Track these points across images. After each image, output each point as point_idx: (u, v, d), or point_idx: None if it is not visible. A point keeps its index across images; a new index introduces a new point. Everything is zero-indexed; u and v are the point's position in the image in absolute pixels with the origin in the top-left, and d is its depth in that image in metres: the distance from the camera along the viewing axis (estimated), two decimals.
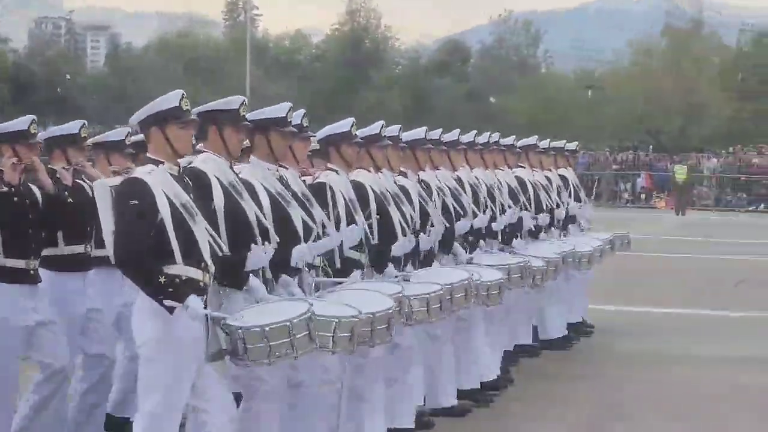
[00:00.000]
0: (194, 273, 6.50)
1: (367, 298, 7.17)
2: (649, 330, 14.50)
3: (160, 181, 6.46)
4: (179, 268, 6.43)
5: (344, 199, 8.14)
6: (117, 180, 6.89)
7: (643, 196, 48.25)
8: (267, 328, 6.30)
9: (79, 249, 8.35)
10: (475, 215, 10.35)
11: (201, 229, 6.56)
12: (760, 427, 10.04)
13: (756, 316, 15.85)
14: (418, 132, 9.84)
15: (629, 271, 18.82)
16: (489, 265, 9.82)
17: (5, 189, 7.62)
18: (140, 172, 6.52)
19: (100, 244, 8.00)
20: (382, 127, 8.81)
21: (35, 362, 7.97)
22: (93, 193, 7.96)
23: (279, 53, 76.89)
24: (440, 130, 10.40)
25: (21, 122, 8.14)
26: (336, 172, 8.31)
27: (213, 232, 6.67)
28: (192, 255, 6.48)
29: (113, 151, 8.93)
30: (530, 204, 11.94)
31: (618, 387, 11.22)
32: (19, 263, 7.78)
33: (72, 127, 8.60)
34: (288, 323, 6.33)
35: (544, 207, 12.41)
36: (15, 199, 7.68)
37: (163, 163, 6.57)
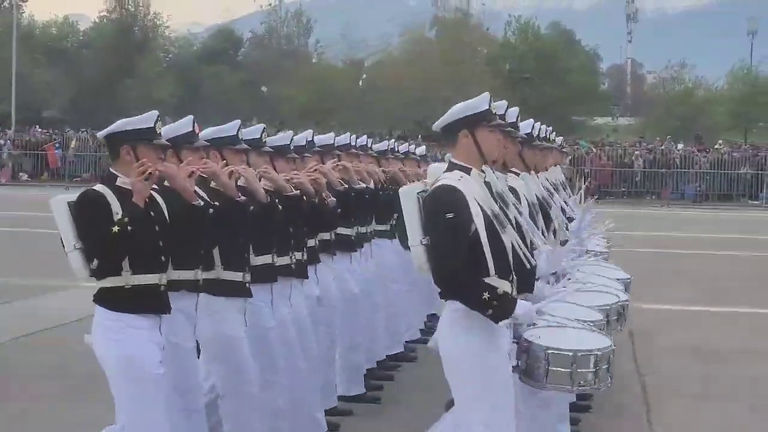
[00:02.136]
0: (506, 286, 6.16)
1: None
2: None
3: (471, 190, 6.15)
4: (493, 281, 6.10)
5: (529, 205, 7.70)
6: (418, 186, 6.46)
7: None
8: (579, 354, 6.01)
9: (267, 259, 7.97)
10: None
11: (509, 240, 6.24)
12: None
13: None
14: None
15: None
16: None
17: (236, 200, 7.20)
18: (450, 179, 6.19)
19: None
20: (532, 126, 8.21)
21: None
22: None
23: (46, 40, 74.85)
24: None
25: (230, 127, 7.84)
26: (517, 174, 7.86)
27: (521, 244, 6.33)
28: (502, 267, 6.18)
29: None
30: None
31: None
32: (237, 276, 7.48)
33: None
34: (598, 353, 6.05)
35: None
36: (235, 208, 7.24)
37: (471, 169, 6.27)
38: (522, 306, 6.09)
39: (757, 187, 46.35)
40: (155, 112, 6.62)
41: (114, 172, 6.51)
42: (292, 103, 66.32)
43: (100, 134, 6.73)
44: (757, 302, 17.46)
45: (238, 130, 7.81)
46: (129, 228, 6.20)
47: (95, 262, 6.33)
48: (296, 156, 8.76)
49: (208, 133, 7.79)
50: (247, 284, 7.54)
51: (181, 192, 6.67)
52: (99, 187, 6.44)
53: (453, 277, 6.07)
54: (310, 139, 9.43)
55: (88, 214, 6.33)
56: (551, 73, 69.00)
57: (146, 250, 6.40)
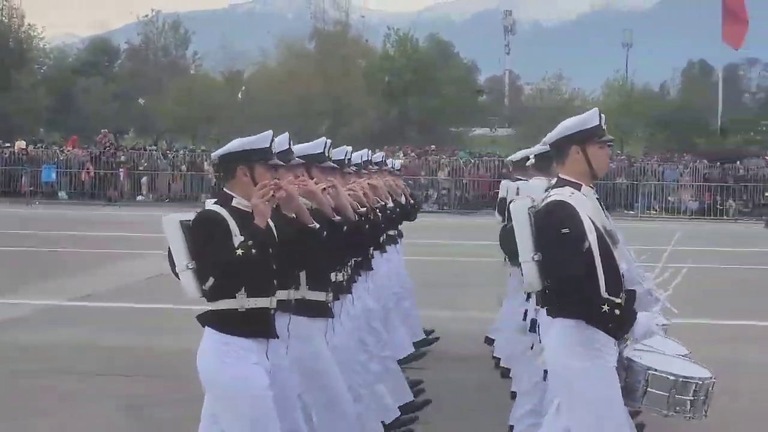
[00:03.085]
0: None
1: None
2: None
3: (583, 206, 6.14)
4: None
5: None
6: (528, 201, 6.35)
7: None
8: (680, 379, 5.99)
9: (333, 278, 7.82)
10: None
11: (619, 257, 6.16)
12: None
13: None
14: None
15: None
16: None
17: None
18: (562, 195, 6.17)
19: None
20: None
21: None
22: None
23: None
24: None
25: (317, 145, 7.88)
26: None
27: (631, 260, 6.25)
28: (613, 284, 6.10)
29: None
30: None
31: None
32: (320, 296, 7.45)
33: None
34: (699, 382, 6.03)
35: None
36: (331, 228, 7.08)
37: (581, 185, 6.25)
38: (641, 323, 6.09)
39: (633, 197, 46.98)
40: (270, 132, 6.52)
41: (229, 192, 6.38)
42: (169, 114, 65.61)
43: (215, 155, 6.56)
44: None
45: (325, 147, 7.83)
46: (253, 251, 6.07)
47: (209, 283, 6.19)
48: (351, 172, 8.92)
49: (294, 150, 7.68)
50: (330, 304, 7.54)
51: (297, 213, 6.63)
52: (216, 207, 6.30)
53: (573, 292, 6.05)
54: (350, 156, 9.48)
55: (207, 235, 6.19)
56: (430, 84, 69.31)
57: (263, 272, 6.30)
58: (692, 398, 6.06)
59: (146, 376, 12.10)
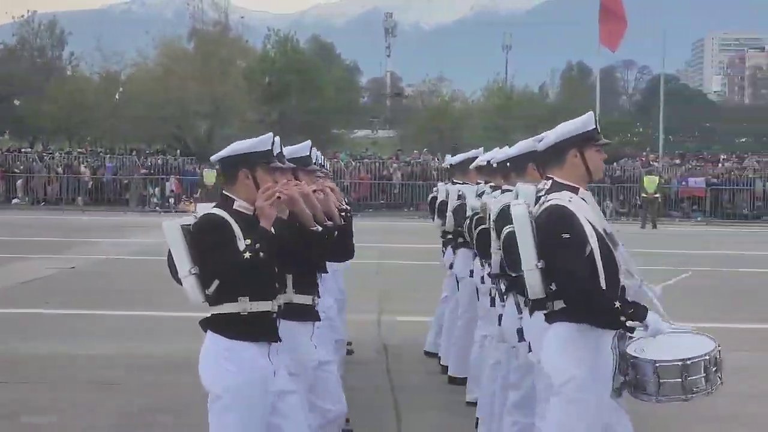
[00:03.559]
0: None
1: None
2: None
3: (583, 209, 6.17)
4: None
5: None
6: (525, 207, 6.29)
7: (172, 200, 48.11)
8: (689, 362, 5.93)
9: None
10: None
11: (619, 257, 6.13)
12: None
13: None
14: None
15: None
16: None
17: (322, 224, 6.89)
18: (561, 200, 6.17)
19: None
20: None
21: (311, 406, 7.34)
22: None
23: None
24: None
25: (303, 148, 7.99)
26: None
27: (630, 261, 6.22)
28: (614, 285, 6.15)
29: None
30: None
31: None
32: (307, 299, 7.34)
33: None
34: (706, 357, 5.97)
35: None
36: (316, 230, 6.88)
37: (578, 188, 6.30)
38: (652, 314, 6.10)
39: None
40: (271, 134, 6.54)
41: (230, 195, 6.32)
42: (45, 116, 64.53)
43: (214, 157, 6.51)
44: None
45: (310, 150, 7.83)
46: (261, 254, 6.04)
47: (213, 287, 6.13)
48: (321, 176, 8.84)
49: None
50: (316, 308, 7.45)
51: (299, 215, 6.64)
52: (217, 210, 6.22)
53: (587, 297, 6.09)
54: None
55: (212, 240, 6.12)
56: (311, 86, 69.18)
57: (267, 275, 6.24)
58: (704, 375, 6.07)
59: (20, 382, 11.84)
